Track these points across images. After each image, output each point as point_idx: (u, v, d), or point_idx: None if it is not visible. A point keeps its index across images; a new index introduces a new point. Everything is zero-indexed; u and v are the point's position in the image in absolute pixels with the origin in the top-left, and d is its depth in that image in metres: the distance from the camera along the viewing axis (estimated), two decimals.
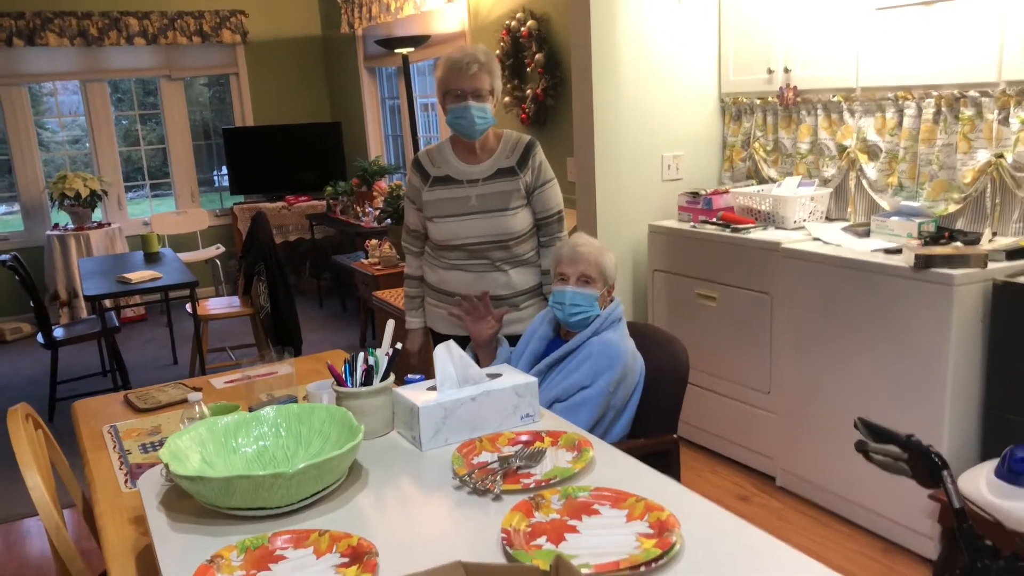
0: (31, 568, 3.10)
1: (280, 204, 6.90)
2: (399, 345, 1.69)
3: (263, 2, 7.14)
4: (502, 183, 2.59)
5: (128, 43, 6.65)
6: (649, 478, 1.40)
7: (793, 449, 3.12)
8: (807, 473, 3.08)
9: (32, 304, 4.41)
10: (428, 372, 2.31)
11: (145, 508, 1.41)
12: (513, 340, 2.53)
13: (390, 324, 1.70)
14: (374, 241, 5.34)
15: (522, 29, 4.28)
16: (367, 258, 5.32)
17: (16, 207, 6.81)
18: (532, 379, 1.64)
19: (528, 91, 4.35)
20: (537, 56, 4.22)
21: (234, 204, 7.07)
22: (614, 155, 3.56)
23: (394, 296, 4.55)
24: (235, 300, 5.19)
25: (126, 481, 1.89)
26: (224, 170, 7.45)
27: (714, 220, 3.40)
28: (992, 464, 2.38)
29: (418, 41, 4.78)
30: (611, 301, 2.28)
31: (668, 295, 3.59)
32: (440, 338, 2.73)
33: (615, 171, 3.58)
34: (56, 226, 6.48)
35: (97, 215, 6.59)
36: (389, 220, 5.35)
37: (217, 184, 7.58)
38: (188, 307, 4.71)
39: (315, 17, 7.37)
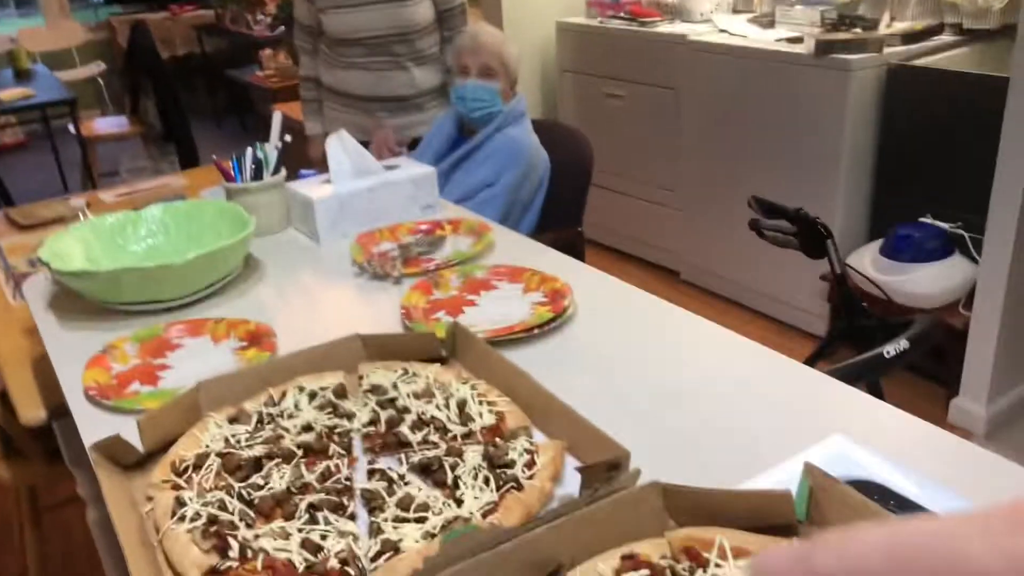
0: None
1: (163, 14, 6.37)
2: (288, 138, 1.61)
3: None
4: None
5: None
6: (547, 256, 1.41)
7: (696, 243, 3.22)
8: (710, 265, 3.20)
9: None
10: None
11: (32, 312, 1.36)
12: (414, 144, 2.47)
13: (277, 115, 1.62)
14: (268, 51, 5.04)
15: None
16: (262, 70, 5.03)
17: None
18: (430, 169, 1.60)
19: None
20: None
21: (110, 15, 6.49)
22: None
23: (296, 109, 4.34)
24: (123, 120, 4.88)
25: (15, 295, 1.82)
26: None
27: (622, 15, 3.29)
28: (878, 244, 2.51)
29: None
30: (514, 96, 2.22)
31: (576, 95, 3.53)
32: None
33: None
34: None
35: None
36: (283, 27, 5.03)
37: None
38: (71, 127, 4.41)
39: None
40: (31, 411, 1.42)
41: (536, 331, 1.11)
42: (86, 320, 1.30)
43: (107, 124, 4.80)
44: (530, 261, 1.36)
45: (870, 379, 1.48)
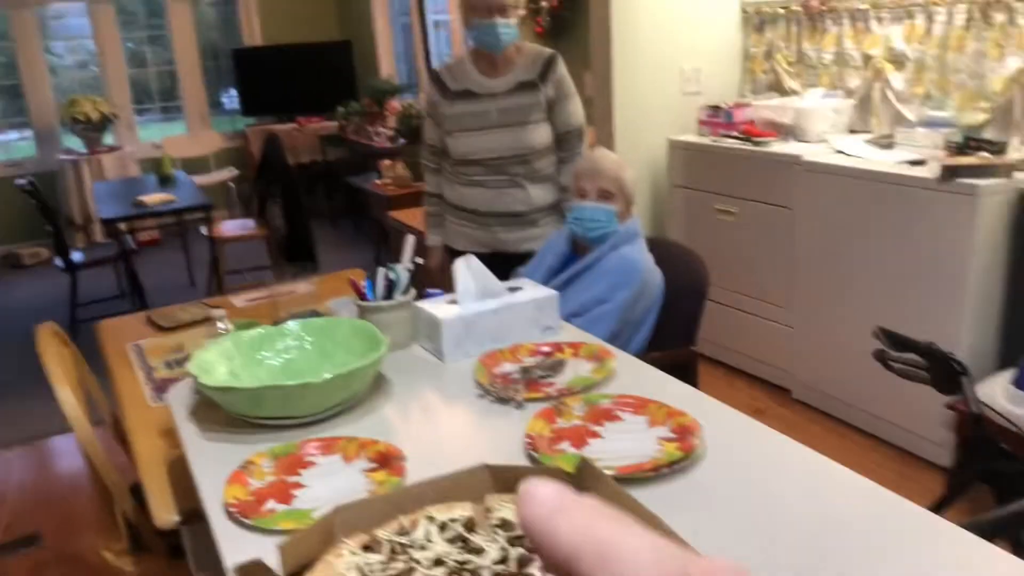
0: (63, 484, 3.19)
1: (292, 125, 6.83)
2: (419, 260, 1.69)
3: None
4: (523, 97, 2.56)
5: None
6: (670, 386, 1.41)
7: (810, 362, 3.14)
8: (823, 385, 3.10)
9: (49, 228, 4.43)
10: (448, 289, 2.32)
11: (176, 421, 1.43)
12: (528, 257, 2.53)
13: (410, 239, 1.69)
14: (387, 161, 5.30)
15: None
16: (380, 179, 5.29)
17: (28, 132, 6.77)
18: (552, 292, 1.64)
19: (543, 3, 4.24)
20: None
21: (245, 126, 7.01)
22: (632, 68, 3.48)
23: (408, 216, 4.53)
24: (250, 223, 5.19)
25: (153, 397, 1.93)
26: (232, 92, 7.36)
27: (735, 134, 3.34)
28: (1010, 373, 2.38)
29: None
30: (630, 217, 2.26)
31: (687, 211, 3.56)
32: (459, 255, 2.73)
33: (633, 85, 3.50)
34: (69, 150, 6.46)
35: (108, 139, 6.55)
36: (402, 140, 5.30)
37: (227, 107, 7.50)
38: (204, 230, 4.72)
39: None
40: (165, 514, 1.48)
41: (665, 470, 1.09)
42: (225, 431, 1.36)
43: (235, 226, 5.11)
44: (652, 389, 1.35)
45: (1014, 535, 1.38)
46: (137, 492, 1.90)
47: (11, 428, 3.63)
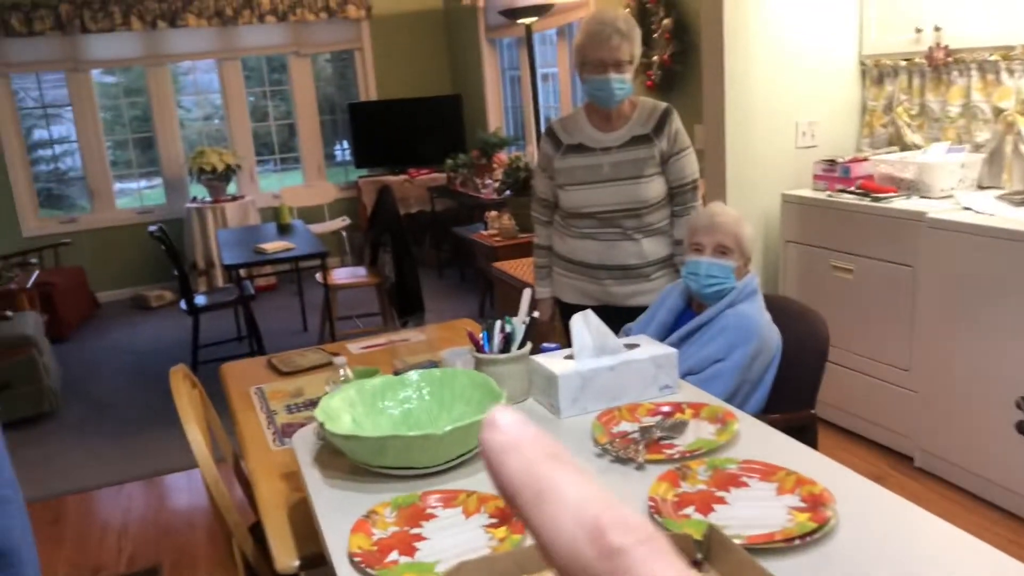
0: (181, 519, 3.31)
1: (402, 177, 7.05)
2: (536, 314, 1.70)
3: None
4: (636, 150, 2.56)
5: (259, 21, 6.90)
6: (795, 451, 1.36)
7: (934, 429, 2.97)
8: (949, 454, 2.93)
9: (176, 273, 4.68)
10: (557, 339, 2.32)
11: (300, 465, 1.47)
12: (641, 311, 2.51)
13: (527, 293, 1.71)
14: (493, 213, 5.38)
15: None
16: (486, 229, 5.37)
17: (158, 181, 7.23)
18: (671, 350, 1.61)
19: (654, 57, 4.26)
20: (665, 21, 4.13)
21: (358, 177, 7.27)
22: (745, 122, 3.45)
23: (514, 267, 4.58)
24: (361, 270, 5.35)
25: (274, 439, 1.99)
26: (345, 144, 7.66)
27: (852, 189, 3.24)
28: None
29: (541, 10, 4.76)
30: (747, 273, 2.22)
31: (801, 267, 3.47)
32: (568, 308, 2.74)
33: (746, 138, 3.47)
34: (194, 199, 6.84)
35: (231, 188, 6.91)
36: (509, 192, 5.38)
37: (339, 158, 7.81)
38: (318, 276, 4.89)
39: None
40: (286, 558, 1.51)
41: (797, 542, 1.05)
42: (348, 478, 1.39)
43: (347, 273, 5.27)
44: (777, 454, 1.31)
45: None
46: (255, 532, 1.95)
47: (135, 462, 3.81)
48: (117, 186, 7.15)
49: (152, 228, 4.63)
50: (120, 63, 6.89)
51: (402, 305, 4.79)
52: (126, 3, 6.51)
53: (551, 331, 2.94)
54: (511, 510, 0.25)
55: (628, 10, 4.41)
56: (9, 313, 4.29)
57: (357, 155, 7.26)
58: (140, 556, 3.03)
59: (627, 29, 2.49)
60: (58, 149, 7.07)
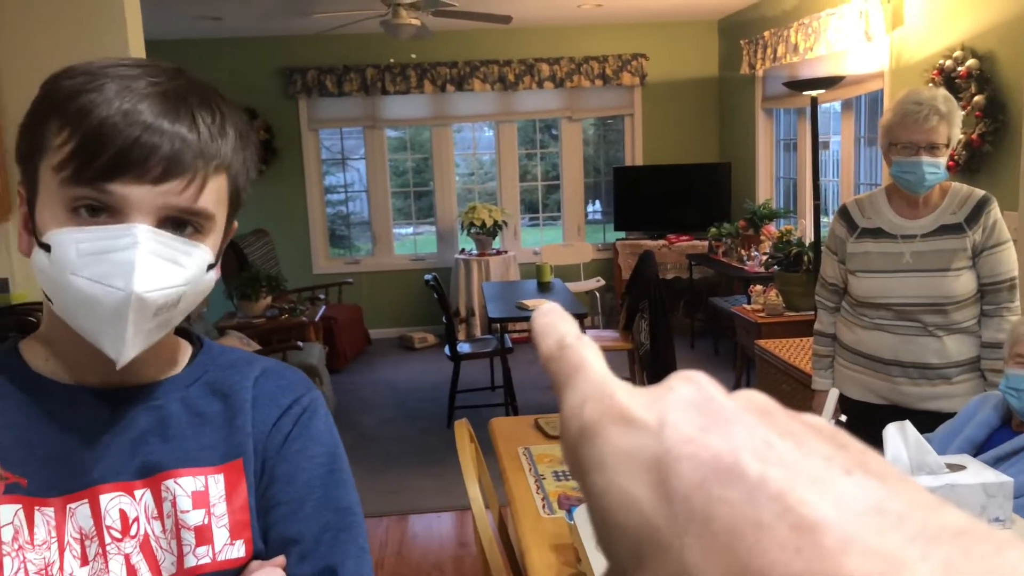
0: (430, 561, 3.43)
1: (661, 242, 7.01)
2: (843, 418, 1.56)
3: (664, 45, 7.35)
4: (945, 240, 2.34)
5: (538, 87, 7.25)
6: None
7: None
8: None
9: (444, 320, 4.95)
10: None
11: (582, 543, 1.45)
12: (936, 417, 2.25)
13: (834, 393, 1.58)
14: (759, 287, 5.18)
15: (959, 68, 3.86)
16: (749, 304, 5.17)
17: (432, 230, 7.76)
18: (1007, 479, 1.41)
19: (960, 135, 3.90)
20: (976, 98, 3.78)
21: (616, 240, 7.34)
22: None
23: (777, 347, 4.35)
24: (614, 333, 5.35)
25: (543, 506, 1.99)
26: (597, 205, 7.78)
27: None
28: None
29: (831, 82, 4.56)
30: None
31: None
32: (850, 403, 2.53)
33: None
34: (463, 251, 7.26)
35: (496, 243, 7.25)
36: (777, 266, 5.16)
37: (589, 218, 7.93)
38: None
39: (713, 59, 7.42)
40: None
41: None
42: None
43: (599, 336, 5.30)
44: None
45: None
46: None
47: (391, 497, 4.02)
48: (395, 231, 7.77)
49: (428, 277, 4.95)
50: (411, 122, 7.53)
51: (655, 373, 4.71)
52: (422, 68, 7.13)
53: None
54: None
55: (931, 85, 4.10)
56: (300, 344, 4.75)
57: (617, 217, 7.34)
58: None
59: (947, 110, 2.30)
60: (343, 195, 7.84)
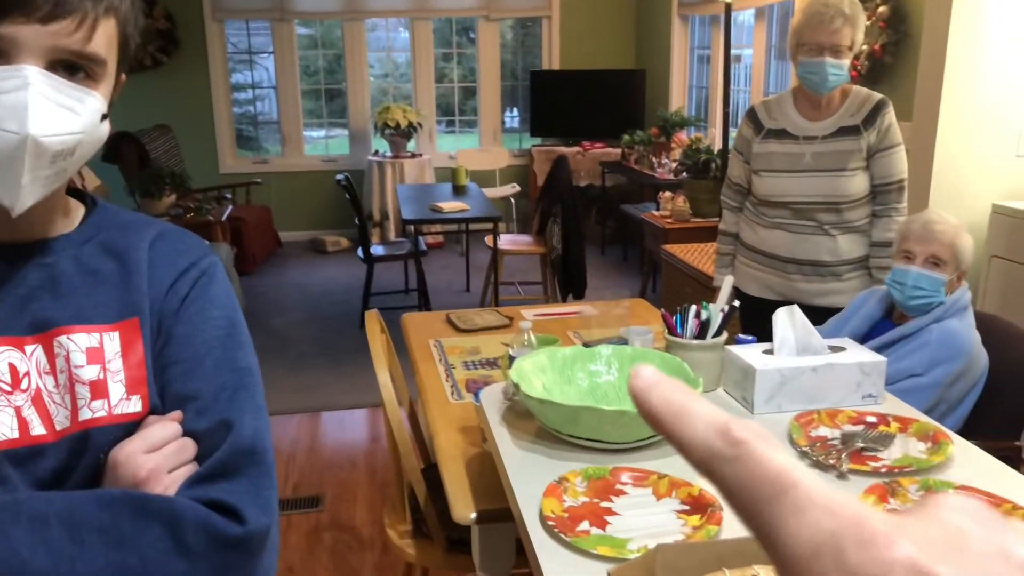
0: (344, 455, 3.49)
1: (575, 149, 7.03)
2: (736, 303, 1.64)
3: None
4: (842, 142, 2.43)
5: None
6: (1021, 485, 1.25)
7: None
8: None
9: (356, 222, 4.89)
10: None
11: (489, 423, 1.50)
12: (827, 312, 2.39)
13: (728, 280, 1.66)
14: (668, 194, 5.28)
15: None
16: (658, 210, 5.28)
17: (344, 132, 7.56)
18: (880, 359, 1.52)
19: (863, 46, 4.01)
20: (880, 8, 3.88)
21: (532, 146, 7.32)
22: (961, 124, 3.19)
23: (684, 251, 4.48)
24: (527, 238, 5.40)
25: (452, 393, 2.04)
26: (515, 112, 7.71)
27: None
28: None
29: None
30: (959, 287, 2.06)
31: (1005, 285, 3.20)
32: (748, 299, 2.64)
33: (959, 142, 3.21)
34: (376, 152, 7.12)
35: (411, 146, 7.13)
36: (686, 174, 5.26)
37: (508, 125, 7.87)
38: (487, 240, 4.98)
39: None
40: (464, 510, 1.55)
41: None
42: (536, 442, 1.41)
43: (513, 240, 5.34)
44: (998, 484, 1.21)
45: None
46: (427, 476, 2.02)
47: (305, 394, 4.04)
48: (306, 133, 7.54)
49: (339, 177, 4.86)
50: (321, 16, 7.22)
51: (565, 278, 4.80)
52: None
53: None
54: (656, 430, 0.32)
55: None
56: (206, 243, 4.62)
57: (533, 123, 7.30)
58: (304, 484, 3.22)
59: (852, 13, 2.36)
60: (250, 94, 7.53)
